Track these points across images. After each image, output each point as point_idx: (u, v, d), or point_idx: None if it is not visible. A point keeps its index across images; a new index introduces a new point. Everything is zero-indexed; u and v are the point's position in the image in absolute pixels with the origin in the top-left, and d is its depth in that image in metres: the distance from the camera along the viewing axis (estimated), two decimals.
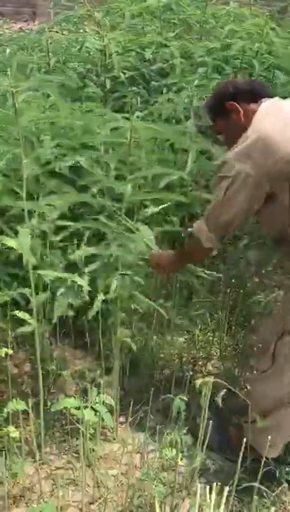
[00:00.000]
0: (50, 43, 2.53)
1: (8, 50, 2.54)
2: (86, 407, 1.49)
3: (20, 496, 1.60)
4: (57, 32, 3.06)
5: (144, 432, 1.76)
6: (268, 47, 2.72)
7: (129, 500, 1.52)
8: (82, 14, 2.61)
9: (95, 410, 1.45)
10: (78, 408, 1.42)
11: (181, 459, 1.39)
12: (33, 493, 1.62)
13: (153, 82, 2.51)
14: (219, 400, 1.46)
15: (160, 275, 1.99)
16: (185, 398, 1.53)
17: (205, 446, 1.49)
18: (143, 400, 1.86)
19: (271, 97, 1.65)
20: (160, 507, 1.52)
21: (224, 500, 1.35)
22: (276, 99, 1.66)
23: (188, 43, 2.70)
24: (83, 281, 1.58)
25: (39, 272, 1.58)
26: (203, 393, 1.44)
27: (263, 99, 1.63)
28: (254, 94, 1.64)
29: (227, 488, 1.36)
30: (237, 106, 1.64)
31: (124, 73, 2.33)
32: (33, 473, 1.66)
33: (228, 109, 1.66)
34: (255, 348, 2.04)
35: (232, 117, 1.66)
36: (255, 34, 2.81)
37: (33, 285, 1.57)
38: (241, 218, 1.59)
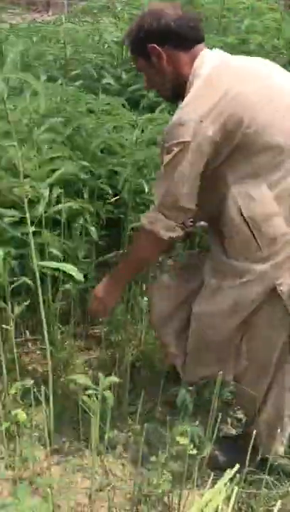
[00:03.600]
0: (68, 34, 2.54)
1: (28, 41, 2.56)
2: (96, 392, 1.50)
3: (30, 482, 1.63)
4: (73, 23, 3.06)
5: (153, 422, 1.78)
6: (285, 43, 2.70)
7: (137, 489, 1.54)
8: (101, 5, 2.61)
9: (104, 396, 1.46)
10: (88, 390, 1.42)
11: (191, 450, 1.40)
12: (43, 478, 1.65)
13: None
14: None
15: (100, 314, 1.77)
16: (190, 389, 1.55)
17: (213, 437, 1.51)
18: (153, 391, 1.88)
19: (200, 43, 1.40)
20: (167, 497, 1.54)
21: (233, 493, 1.37)
22: (220, 52, 1.43)
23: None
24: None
25: (41, 263, 1.57)
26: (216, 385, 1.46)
27: (196, 47, 1.40)
28: (185, 40, 1.39)
29: (235, 480, 1.38)
30: (160, 51, 1.39)
31: None
32: (43, 459, 1.69)
33: (149, 52, 1.40)
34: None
35: (153, 61, 1.42)
36: (272, 29, 2.79)
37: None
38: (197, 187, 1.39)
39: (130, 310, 2.16)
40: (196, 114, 1.32)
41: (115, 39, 2.46)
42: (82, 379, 1.47)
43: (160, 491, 1.45)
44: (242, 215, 1.38)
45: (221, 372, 1.49)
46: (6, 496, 1.56)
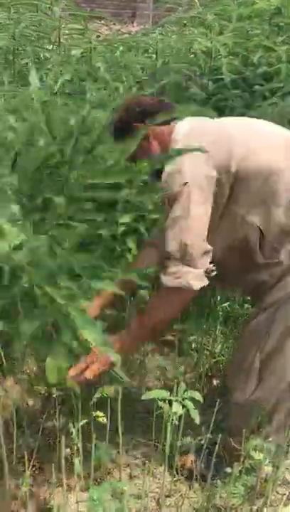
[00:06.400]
0: (157, 44, 2.60)
1: (118, 51, 2.64)
2: (171, 401, 1.50)
3: (100, 479, 1.66)
4: (162, 34, 3.12)
5: (224, 434, 1.75)
6: None
7: (206, 499, 1.53)
8: (192, 16, 2.65)
9: (183, 405, 1.47)
10: (168, 402, 1.44)
11: (266, 465, 1.37)
12: (112, 478, 1.68)
13: (256, 86, 2.50)
14: None
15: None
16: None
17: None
18: (225, 402, 1.85)
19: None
20: (235, 511, 1.52)
21: None
22: (190, 118, 1.59)
23: None
24: None
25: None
26: None
27: (174, 121, 1.56)
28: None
29: None
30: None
31: (230, 76, 2.34)
32: (113, 459, 1.71)
33: (134, 130, 1.52)
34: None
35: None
36: None
37: None
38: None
39: (205, 320, 2.16)
40: (187, 159, 1.40)
41: (204, 49, 2.49)
42: (162, 393, 1.48)
43: (231, 504, 1.43)
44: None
45: None
46: (77, 492, 1.60)
